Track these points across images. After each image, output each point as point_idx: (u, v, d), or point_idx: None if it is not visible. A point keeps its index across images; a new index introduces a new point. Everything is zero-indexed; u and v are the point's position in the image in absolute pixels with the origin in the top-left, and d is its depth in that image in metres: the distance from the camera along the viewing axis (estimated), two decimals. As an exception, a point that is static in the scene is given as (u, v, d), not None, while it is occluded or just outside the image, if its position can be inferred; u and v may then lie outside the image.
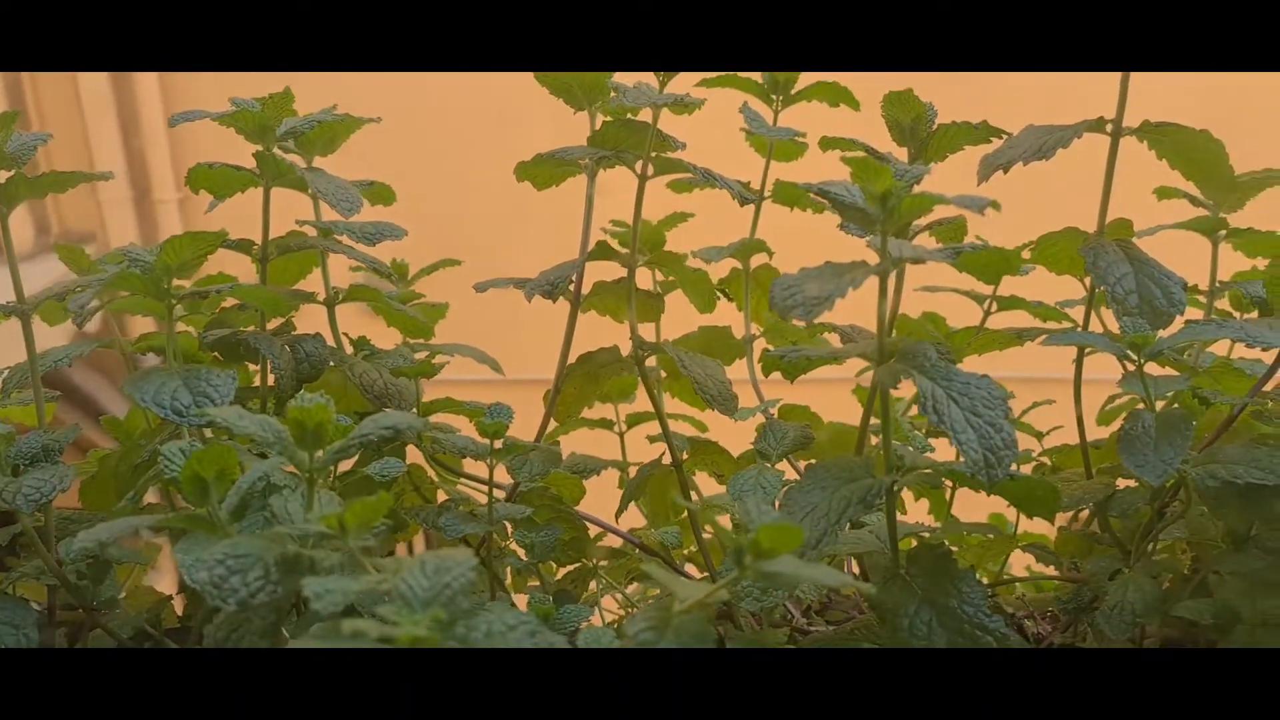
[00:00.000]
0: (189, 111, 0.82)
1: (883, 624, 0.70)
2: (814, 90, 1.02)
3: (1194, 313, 1.02)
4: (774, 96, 1.04)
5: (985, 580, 1.04)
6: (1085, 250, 0.78)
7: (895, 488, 0.69)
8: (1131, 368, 0.77)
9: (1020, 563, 1.10)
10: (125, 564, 0.89)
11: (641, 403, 1.15)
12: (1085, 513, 0.99)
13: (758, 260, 1.06)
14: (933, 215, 0.82)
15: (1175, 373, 0.90)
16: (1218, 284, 1.01)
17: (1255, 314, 0.99)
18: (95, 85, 3.17)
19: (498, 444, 0.78)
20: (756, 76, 1.03)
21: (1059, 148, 0.77)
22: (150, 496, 0.97)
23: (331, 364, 0.93)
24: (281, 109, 0.85)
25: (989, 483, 0.61)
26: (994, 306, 1.10)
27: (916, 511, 1.11)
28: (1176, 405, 0.81)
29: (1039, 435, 1.07)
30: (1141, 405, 0.77)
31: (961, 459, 0.62)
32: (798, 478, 0.72)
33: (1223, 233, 0.99)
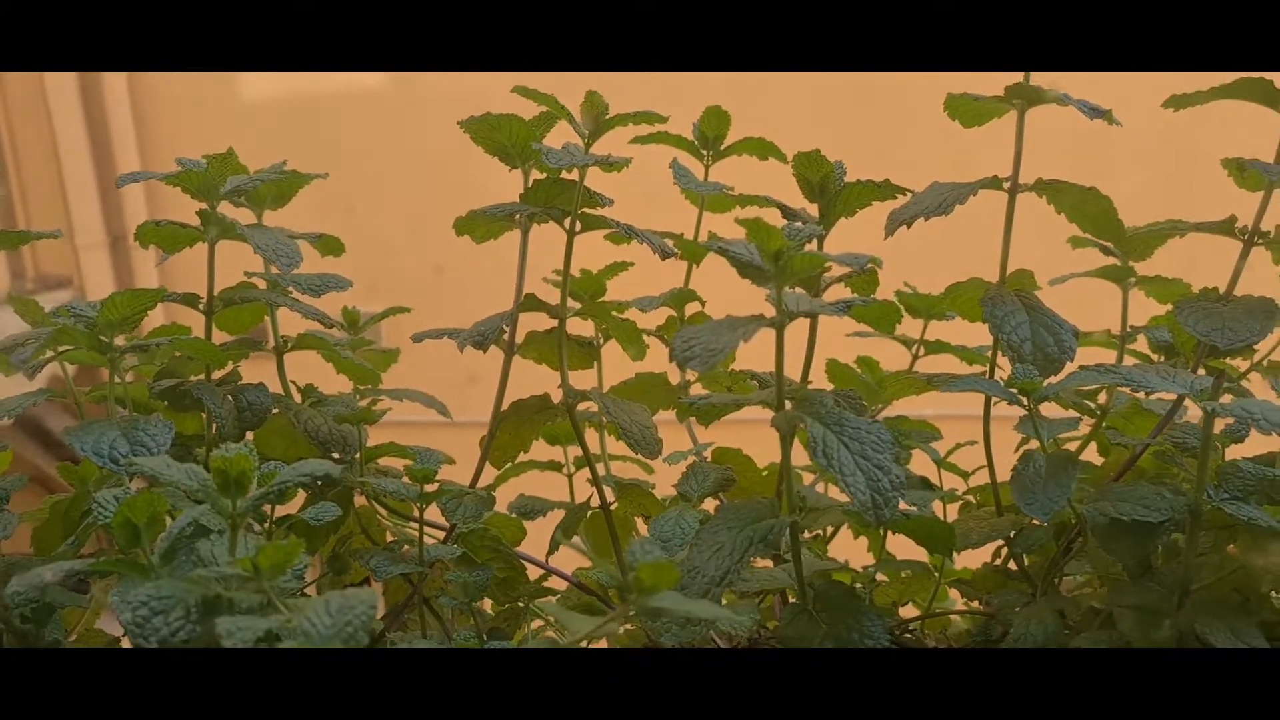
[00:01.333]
0: (134, 173, 0.86)
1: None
2: (743, 145, 1.07)
3: (1110, 356, 1.08)
4: (704, 152, 1.09)
5: (918, 613, 1.08)
6: (984, 300, 0.82)
7: (797, 526, 0.73)
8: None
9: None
10: (72, 608, 0.92)
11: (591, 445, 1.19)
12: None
13: (692, 308, 1.10)
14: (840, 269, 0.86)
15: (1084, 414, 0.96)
16: (1129, 329, 1.06)
17: (1162, 357, 1.04)
18: (71, 132, 3.22)
19: (429, 488, 0.82)
20: (687, 133, 1.09)
21: (957, 204, 0.82)
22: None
23: (278, 411, 0.97)
24: (226, 168, 0.89)
25: (876, 522, 0.65)
26: (922, 350, 1.15)
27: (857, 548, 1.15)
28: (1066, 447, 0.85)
29: (965, 475, 1.11)
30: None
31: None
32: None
33: (1132, 280, 1.04)
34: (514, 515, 1.05)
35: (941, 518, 1.03)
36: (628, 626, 0.95)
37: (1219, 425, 0.86)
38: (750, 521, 0.72)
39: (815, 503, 0.74)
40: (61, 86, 3.17)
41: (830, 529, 1.06)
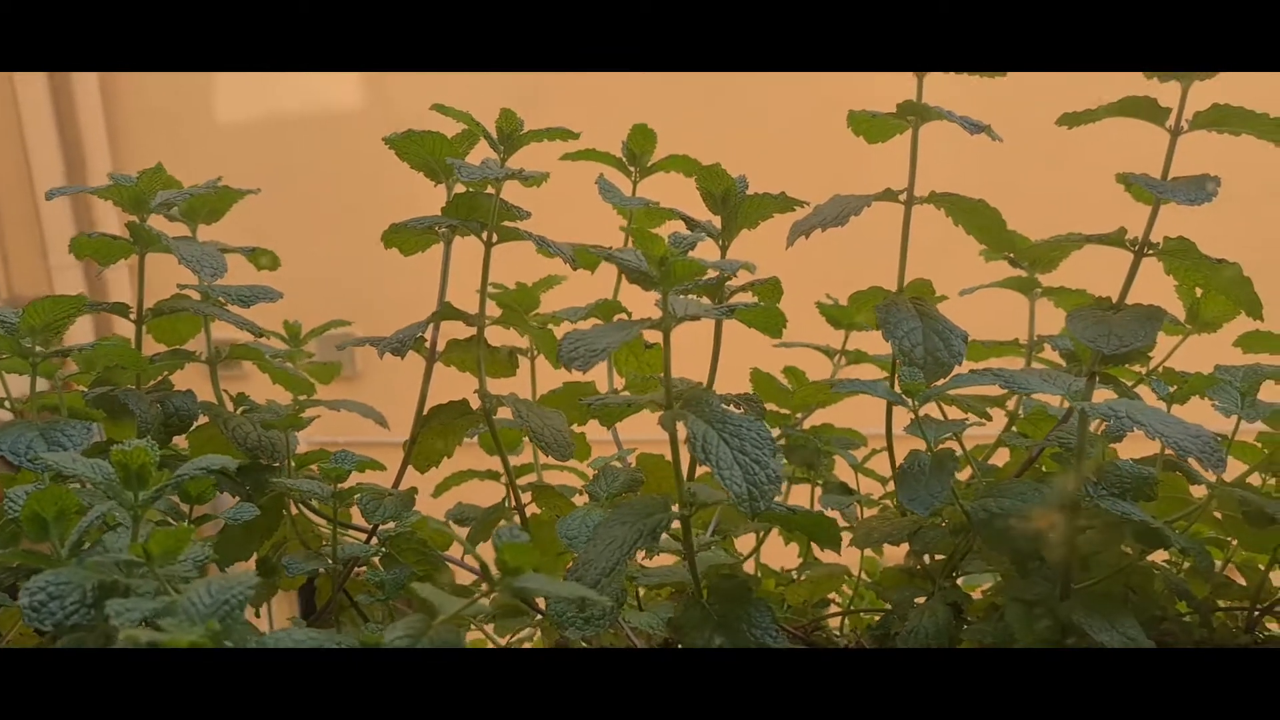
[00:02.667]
0: (64, 187, 0.90)
1: (681, 643, 0.77)
2: (668, 162, 1.11)
3: (1021, 362, 1.12)
4: (632, 169, 1.13)
5: (835, 609, 1.12)
6: (879, 308, 0.86)
7: (687, 520, 0.76)
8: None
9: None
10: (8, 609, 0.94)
11: (528, 454, 1.23)
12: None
13: (620, 318, 1.14)
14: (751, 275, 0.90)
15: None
16: (1036, 337, 1.10)
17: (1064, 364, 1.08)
18: (45, 152, 3.25)
19: (342, 486, 0.85)
20: (616, 150, 1.13)
21: (852, 215, 0.86)
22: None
23: (208, 420, 1.00)
24: (156, 183, 0.92)
25: (751, 514, 0.69)
26: (844, 360, 1.19)
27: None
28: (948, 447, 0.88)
29: (883, 480, 1.15)
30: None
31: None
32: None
33: (1038, 290, 1.09)
34: (457, 522, 1.08)
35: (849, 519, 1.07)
36: (537, 632, 0.99)
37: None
38: (642, 517, 0.75)
39: (705, 498, 0.77)
40: (36, 105, 3.21)
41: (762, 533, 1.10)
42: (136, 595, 0.60)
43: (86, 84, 3.21)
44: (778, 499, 1.08)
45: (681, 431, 0.74)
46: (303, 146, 3.13)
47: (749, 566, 1.15)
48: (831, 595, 1.16)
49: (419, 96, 2.80)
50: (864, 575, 1.15)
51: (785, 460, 1.14)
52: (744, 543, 1.10)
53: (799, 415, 1.17)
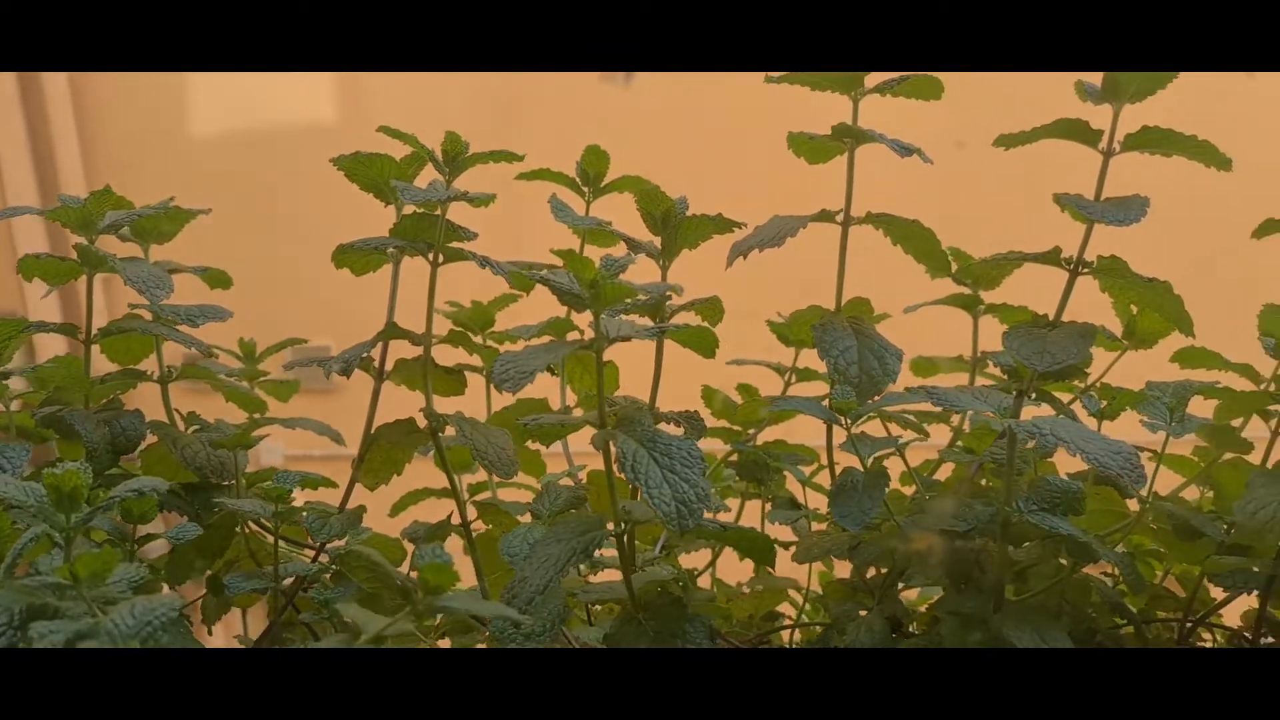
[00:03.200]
0: (13, 207, 0.90)
1: (617, 661, 0.78)
2: (621, 183, 1.12)
3: (965, 379, 1.14)
4: (585, 189, 1.14)
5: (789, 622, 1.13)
6: (815, 327, 0.88)
7: (622, 538, 0.77)
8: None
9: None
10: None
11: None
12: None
13: (572, 336, 1.15)
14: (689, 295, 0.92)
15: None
16: (981, 354, 1.12)
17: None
18: (18, 171, 3.24)
19: (295, 504, 0.86)
20: (570, 170, 1.14)
21: (789, 236, 0.88)
22: None
23: (158, 439, 1.01)
24: (104, 204, 0.93)
25: (680, 531, 0.70)
26: (794, 378, 1.21)
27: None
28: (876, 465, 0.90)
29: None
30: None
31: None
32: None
33: (981, 308, 1.10)
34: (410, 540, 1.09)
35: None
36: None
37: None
38: (577, 535, 0.76)
39: (640, 516, 0.79)
40: (8, 124, 3.20)
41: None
42: (65, 618, 0.61)
43: (59, 101, 3.21)
44: (729, 516, 1.11)
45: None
46: (284, 159, 3.14)
47: (704, 581, 1.16)
48: (784, 609, 1.17)
49: (396, 109, 2.82)
50: (818, 588, 1.16)
51: (737, 476, 1.15)
52: (701, 558, 1.12)
53: (750, 431, 1.18)
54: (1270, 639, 0.90)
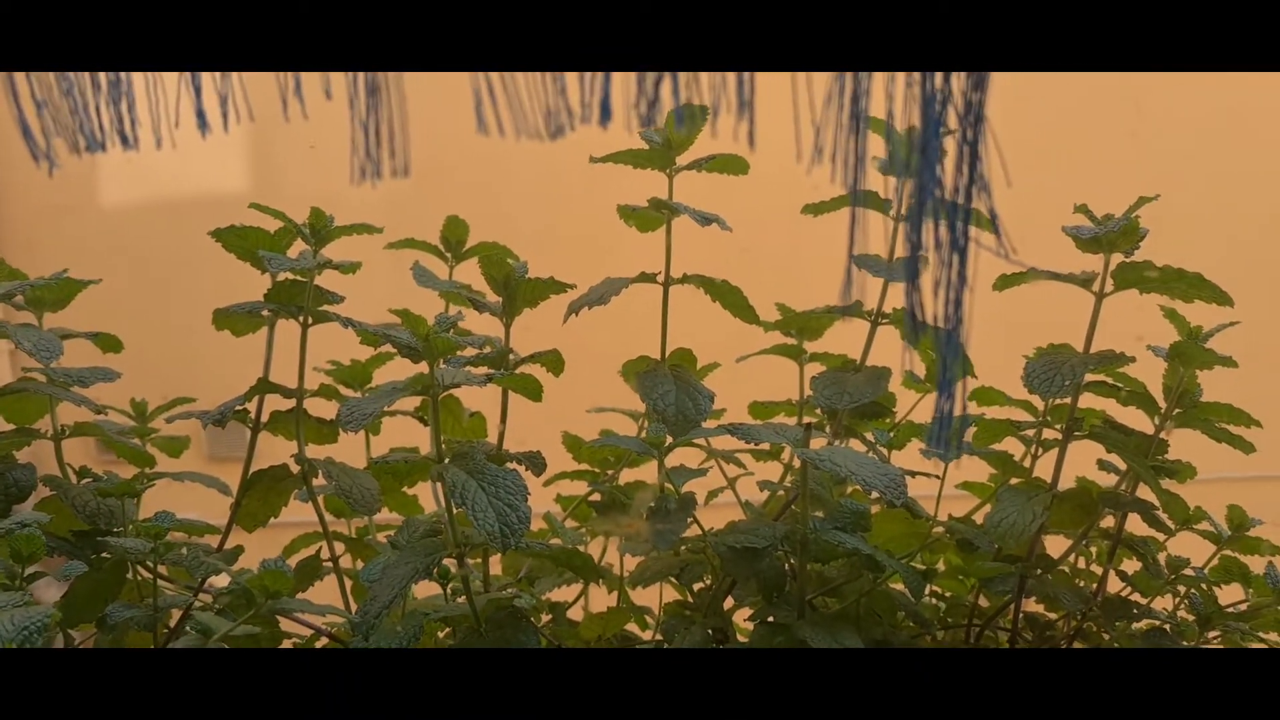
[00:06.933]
0: (-89, 280, 1.00)
1: (459, 671, 0.88)
2: (479, 248, 1.25)
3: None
4: (447, 255, 1.27)
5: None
6: (640, 374, 1.00)
7: (463, 558, 0.88)
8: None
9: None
10: None
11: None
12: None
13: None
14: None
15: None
16: (807, 397, 1.25)
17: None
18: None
19: (162, 542, 0.95)
20: (433, 237, 1.26)
21: (613, 295, 1.00)
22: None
23: (52, 491, 1.10)
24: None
25: (503, 549, 0.81)
26: (646, 421, 1.33)
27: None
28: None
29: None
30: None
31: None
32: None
33: (806, 356, 1.24)
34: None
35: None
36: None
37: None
38: (422, 556, 0.87)
39: (479, 539, 0.90)
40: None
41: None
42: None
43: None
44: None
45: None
46: (193, 229, 3.22)
47: (576, 613, 1.27)
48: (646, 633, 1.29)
49: (306, 179, 2.92)
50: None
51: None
52: (572, 592, 1.23)
53: (609, 473, 1.30)
54: (1029, 635, 1.04)
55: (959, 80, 0.54)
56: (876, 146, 0.69)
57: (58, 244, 3.38)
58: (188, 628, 0.99)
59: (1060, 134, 2.57)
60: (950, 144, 0.54)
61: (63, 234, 3.41)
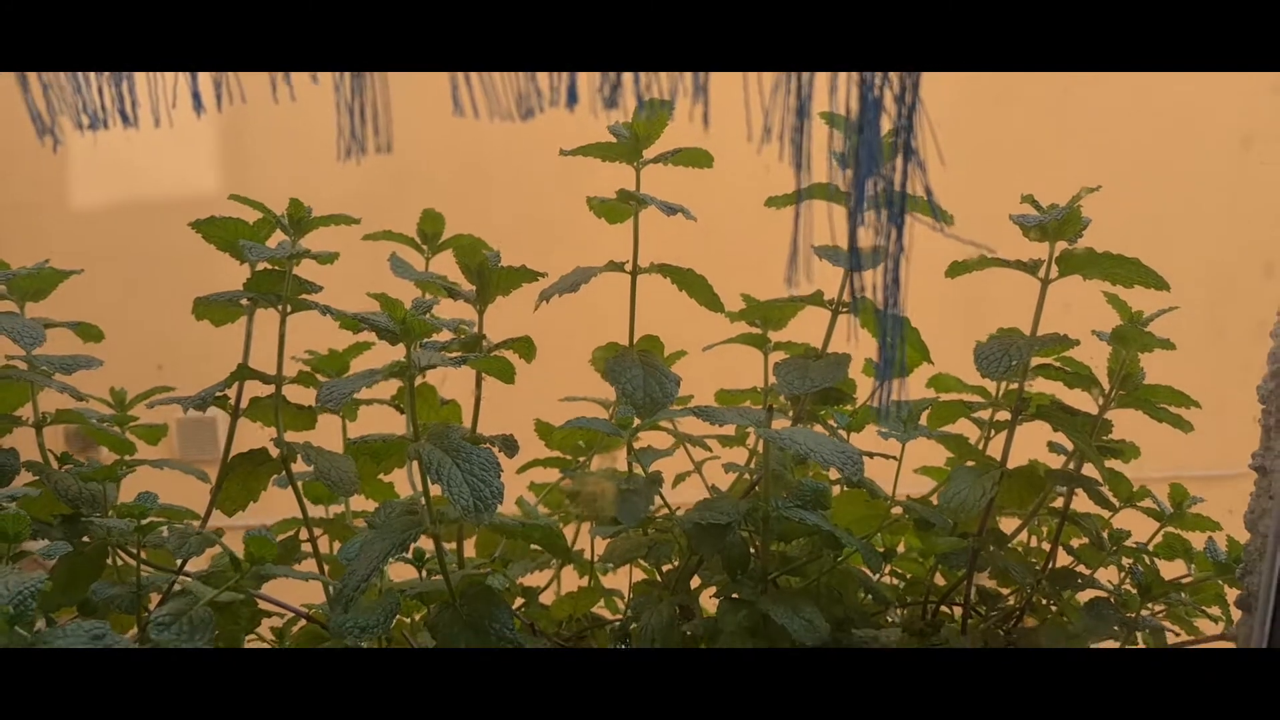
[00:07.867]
0: (-103, 271, 1.02)
1: (436, 641, 0.92)
2: (454, 240, 1.28)
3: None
4: (424, 246, 1.30)
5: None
6: (609, 360, 1.04)
7: (437, 537, 0.92)
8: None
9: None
10: None
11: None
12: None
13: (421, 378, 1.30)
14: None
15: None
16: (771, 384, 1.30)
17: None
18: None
19: (144, 522, 0.98)
20: (410, 230, 1.29)
21: (582, 284, 1.04)
22: None
23: (36, 476, 1.12)
24: (-19, 265, 1.05)
25: (477, 523, 0.85)
26: (615, 408, 1.37)
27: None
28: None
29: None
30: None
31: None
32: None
33: (770, 345, 1.28)
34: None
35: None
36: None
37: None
38: (397, 534, 0.91)
39: (453, 515, 0.93)
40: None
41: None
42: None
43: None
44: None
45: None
46: (162, 228, 3.22)
47: (548, 597, 1.30)
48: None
49: (278, 181, 2.95)
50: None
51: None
52: (545, 576, 1.26)
53: (581, 460, 1.34)
54: (982, 608, 1.08)
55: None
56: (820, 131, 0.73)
57: (30, 244, 3.39)
58: (175, 587, 1.02)
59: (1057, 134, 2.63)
60: (887, 123, 0.58)
61: (34, 234, 3.41)
